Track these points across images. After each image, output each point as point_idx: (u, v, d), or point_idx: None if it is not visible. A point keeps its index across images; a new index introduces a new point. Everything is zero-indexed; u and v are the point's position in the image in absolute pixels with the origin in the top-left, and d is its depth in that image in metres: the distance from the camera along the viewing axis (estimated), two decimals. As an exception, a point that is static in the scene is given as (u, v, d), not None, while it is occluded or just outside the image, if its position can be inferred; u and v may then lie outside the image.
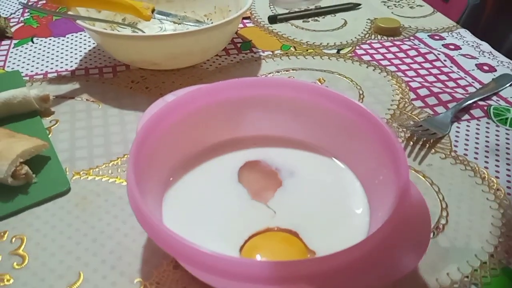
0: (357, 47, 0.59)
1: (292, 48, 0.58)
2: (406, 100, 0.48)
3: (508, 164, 0.40)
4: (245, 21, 0.65)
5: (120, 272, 0.30)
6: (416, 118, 0.46)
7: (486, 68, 0.55)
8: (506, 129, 0.45)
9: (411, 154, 0.41)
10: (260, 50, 0.58)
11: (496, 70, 0.54)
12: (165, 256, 0.31)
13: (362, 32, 0.63)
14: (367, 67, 0.54)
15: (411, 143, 0.42)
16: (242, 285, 0.24)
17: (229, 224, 0.31)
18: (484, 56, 0.57)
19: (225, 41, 0.53)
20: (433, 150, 0.42)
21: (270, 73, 0.53)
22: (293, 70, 0.53)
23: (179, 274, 0.30)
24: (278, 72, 0.53)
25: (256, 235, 0.30)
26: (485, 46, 0.60)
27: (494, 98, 0.49)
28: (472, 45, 0.60)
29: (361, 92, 0.50)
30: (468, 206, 0.36)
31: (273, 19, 0.65)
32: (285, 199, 0.33)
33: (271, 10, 0.68)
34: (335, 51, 0.58)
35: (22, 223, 0.34)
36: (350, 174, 0.34)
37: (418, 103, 0.48)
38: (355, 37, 0.61)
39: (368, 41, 0.60)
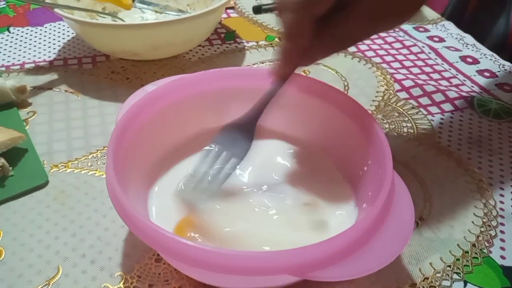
0: (342, 39, 0.58)
1: (277, 39, 0.58)
2: (391, 91, 0.48)
3: (490, 155, 0.40)
4: (229, 11, 0.64)
5: (100, 266, 0.30)
6: (401, 110, 0.46)
7: (469, 60, 0.55)
8: (489, 120, 0.45)
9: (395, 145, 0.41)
10: (244, 41, 0.57)
11: (479, 62, 0.54)
12: (146, 250, 0.31)
13: (347, 24, 0.62)
14: (352, 58, 0.54)
15: (395, 134, 0.42)
16: (228, 276, 0.24)
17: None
18: (468, 48, 0.58)
19: (208, 31, 0.52)
20: (417, 141, 0.42)
21: (254, 64, 0.52)
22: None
23: (161, 268, 0.30)
24: (262, 63, 0.52)
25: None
26: (469, 38, 0.60)
27: (478, 89, 0.50)
28: (456, 38, 0.60)
29: (346, 84, 0.49)
30: (451, 197, 0.36)
31: (257, 9, 0.63)
32: (271, 189, 0.33)
33: (256, 0, 0.67)
34: (320, 42, 0.57)
35: (-1, 217, 0.33)
36: (333, 165, 0.34)
37: (403, 95, 0.48)
38: (340, 29, 0.61)
39: (353, 33, 0.60)
